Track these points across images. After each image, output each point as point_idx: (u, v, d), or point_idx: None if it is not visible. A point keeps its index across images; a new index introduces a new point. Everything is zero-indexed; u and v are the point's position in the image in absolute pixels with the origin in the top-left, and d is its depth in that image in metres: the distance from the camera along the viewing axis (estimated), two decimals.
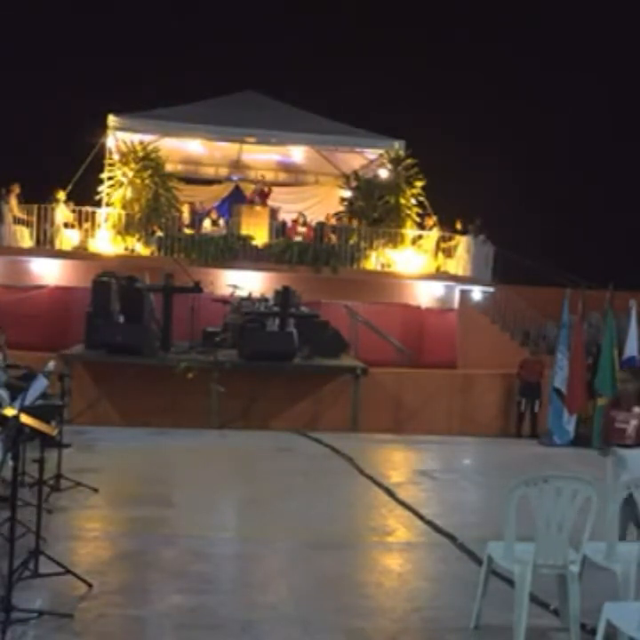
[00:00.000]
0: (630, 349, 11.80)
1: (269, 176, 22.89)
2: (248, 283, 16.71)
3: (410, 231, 19.47)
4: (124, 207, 18.68)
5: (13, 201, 18.32)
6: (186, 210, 19.81)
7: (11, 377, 8.22)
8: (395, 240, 19.22)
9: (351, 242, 19.03)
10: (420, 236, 19.69)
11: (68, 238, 18.75)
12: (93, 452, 9.57)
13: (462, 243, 19.57)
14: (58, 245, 18.52)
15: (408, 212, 19.47)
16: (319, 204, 22.25)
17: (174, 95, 20.49)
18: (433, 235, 19.72)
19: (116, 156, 19.09)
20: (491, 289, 18.45)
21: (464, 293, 18.98)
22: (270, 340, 13.49)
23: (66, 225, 18.76)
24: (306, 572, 5.79)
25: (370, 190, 19.61)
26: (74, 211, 18.92)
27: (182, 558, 5.94)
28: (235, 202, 21.17)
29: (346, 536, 6.75)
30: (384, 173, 19.71)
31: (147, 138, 19.12)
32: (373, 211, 19.40)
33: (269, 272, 18.05)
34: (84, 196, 18.93)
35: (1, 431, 5.27)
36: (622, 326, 12.17)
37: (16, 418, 4.80)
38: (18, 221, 18.47)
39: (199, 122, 18.98)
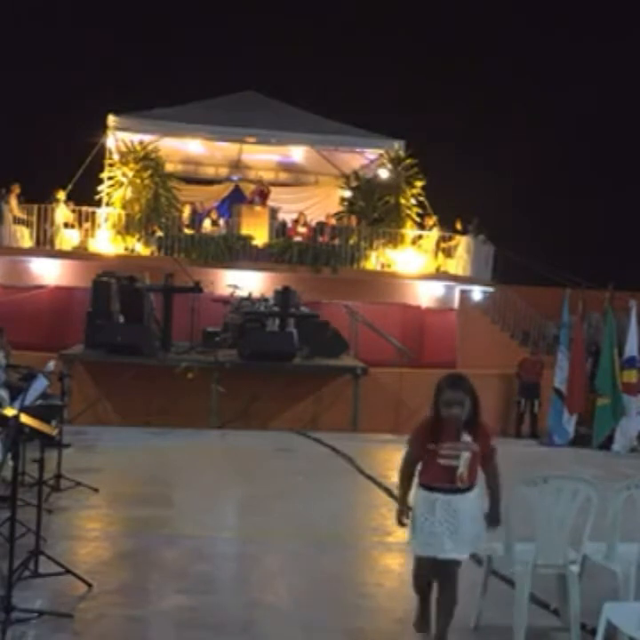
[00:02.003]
0: (630, 349, 11.80)
1: (269, 176, 22.89)
2: (248, 283, 16.70)
3: (410, 231, 19.48)
4: (123, 207, 18.69)
5: (13, 201, 18.33)
6: (186, 210, 19.82)
7: (12, 377, 8.19)
8: (395, 240, 19.23)
9: (351, 242, 19.04)
10: (420, 236, 19.71)
11: (68, 238, 18.76)
12: (93, 452, 9.57)
13: (462, 243, 19.58)
14: (58, 245, 18.53)
15: (408, 211, 19.49)
16: (319, 204, 22.25)
17: (174, 95, 20.53)
18: (433, 235, 19.73)
19: (115, 156, 19.10)
20: (491, 289, 18.46)
21: (464, 293, 18.99)
22: (270, 340, 13.49)
23: (66, 225, 18.78)
24: (306, 572, 5.79)
25: (370, 190, 19.62)
26: (74, 211, 18.94)
27: (182, 558, 5.93)
28: (235, 202, 21.17)
29: (346, 536, 6.74)
30: (384, 173, 19.71)
31: (147, 138, 19.12)
32: (373, 211, 19.41)
33: (269, 272, 18.05)
34: (84, 196, 18.95)
35: (1, 431, 5.27)
36: (622, 326, 12.17)
37: (16, 418, 4.80)
38: (18, 221, 18.48)
39: (199, 122, 18.99)
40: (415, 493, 4.43)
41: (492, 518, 4.41)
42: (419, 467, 4.42)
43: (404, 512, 4.49)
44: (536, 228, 24.49)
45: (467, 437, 4.22)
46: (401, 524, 4.51)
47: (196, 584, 5.41)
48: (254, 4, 27.61)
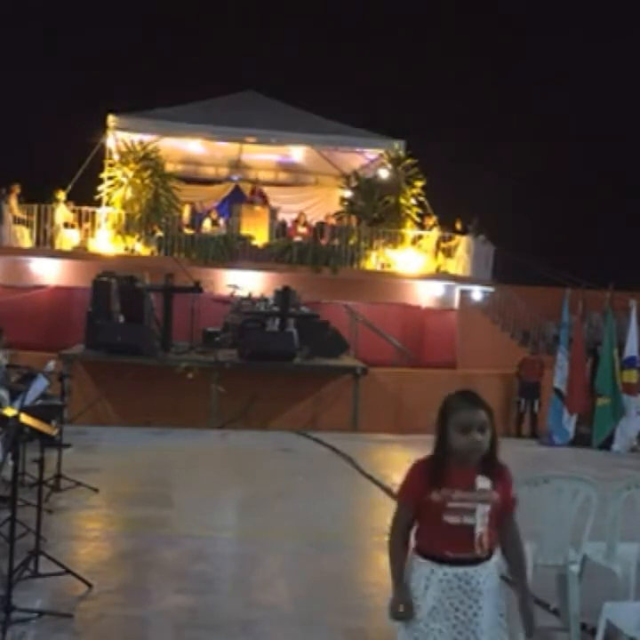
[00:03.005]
0: (630, 349, 11.80)
1: (269, 176, 22.90)
2: (248, 283, 16.71)
3: (410, 231, 19.48)
4: (123, 207, 18.69)
5: (13, 201, 18.34)
6: (186, 210, 19.82)
7: (11, 382, 8.16)
8: (395, 240, 19.24)
9: (351, 242, 19.04)
10: (420, 236, 19.72)
11: (68, 238, 18.77)
12: (93, 452, 9.56)
13: (462, 243, 19.59)
14: (58, 245, 18.54)
15: (408, 212, 19.49)
16: (319, 204, 22.26)
17: (174, 95, 20.54)
18: (433, 235, 19.74)
19: (115, 156, 19.10)
20: (491, 289, 18.46)
21: (464, 293, 18.99)
22: (270, 340, 13.49)
23: (66, 225, 18.78)
24: (306, 572, 5.79)
25: (370, 190, 19.63)
26: (74, 211, 18.94)
27: (182, 558, 5.94)
28: (235, 202, 21.18)
29: (346, 536, 6.74)
30: (384, 173, 19.72)
31: (147, 138, 19.13)
32: (373, 211, 19.42)
33: (269, 272, 18.06)
34: (84, 196, 18.96)
35: (1, 431, 5.27)
36: (622, 326, 12.18)
37: (16, 418, 4.80)
38: (18, 221, 18.49)
39: (199, 122, 18.99)
40: (410, 565, 3.14)
41: (527, 615, 3.10)
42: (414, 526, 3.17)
43: (403, 599, 3.05)
44: (536, 228, 24.49)
45: (484, 482, 3.05)
46: (397, 617, 3.06)
47: (196, 584, 5.41)
48: (255, 3, 27.63)
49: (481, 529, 3.02)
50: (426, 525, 3.09)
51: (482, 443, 3.03)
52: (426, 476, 3.06)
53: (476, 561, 3.03)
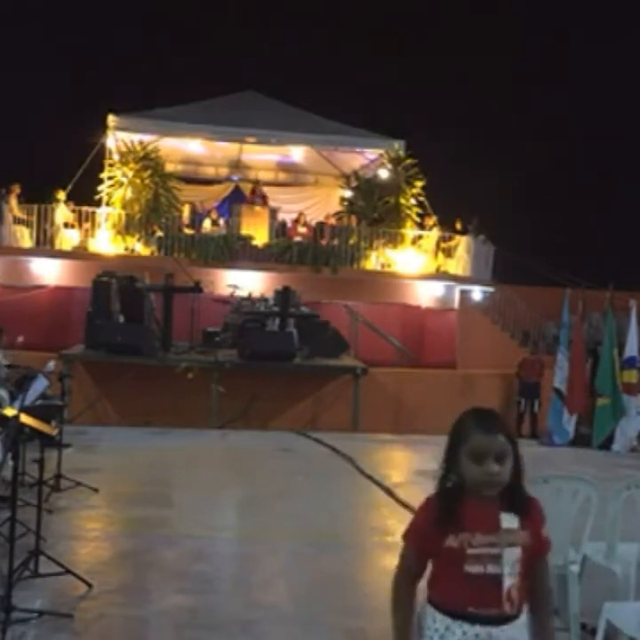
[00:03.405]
0: (630, 349, 11.80)
1: (269, 176, 22.90)
2: (248, 283, 16.71)
3: (410, 231, 19.49)
4: (123, 207, 18.70)
5: (13, 201, 18.34)
6: (186, 210, 19.82)
7: (11, 382, 8.16)
8: (395, 240, 19.24)
9: (351, 242, 19.04)
10: (420, 236, 19.72)
11: (68, 238, 18.77)
12: (93, 452, 9.56)
13: (462, 243, 19.59)
14: (58, 245, 18.55)
15: (408, 212, 19.49)
16: (319, 204, 22.27)
17: (174, 95, 20.54)
18: (433, 235, 19.75)
19: (115, 156, 19.10)
20: (491, 289, 18.46)
21: (464, 293, 18.99)
22: (270, 339, 13.49)
23: (66, 225, 18.78)
24: (306, 572, 5.79)
25: (370, 190, 19.63)
26: (74, 211, 18.94)
27: (182, 558, 5.93)
28: (235, 202, 21.19)
29: (346, 536, 6.74)
30: (384, 173, 19.72)
31: (147, 138, 19.13)
32: (373, 211, 19.42)
33: (269, 272, 18.06)
34: (84, 196, 18.96)
35: (1, 431, 5.27)
36: (622, 326, 12.17)
37: (16, 418, 4.80)
38: (18, 221, 18.49)
39: (199, 122, 19.00)
40: (422, 619, 2.63)
41: None
42: (425, 573, 2.65)
43: None
44: (536, 228, 24.49)
45: (510, 521, 2.57)
46: None
47: (196, 584, 5.40)
48: (255, 3, 27.63)
49: (510, 580, 2.50)
50: (442, 575, 2.57)
51: (499, 475, 2.55)
52: (439, 518, 2.55)
53: (504, 619, 2.50)
